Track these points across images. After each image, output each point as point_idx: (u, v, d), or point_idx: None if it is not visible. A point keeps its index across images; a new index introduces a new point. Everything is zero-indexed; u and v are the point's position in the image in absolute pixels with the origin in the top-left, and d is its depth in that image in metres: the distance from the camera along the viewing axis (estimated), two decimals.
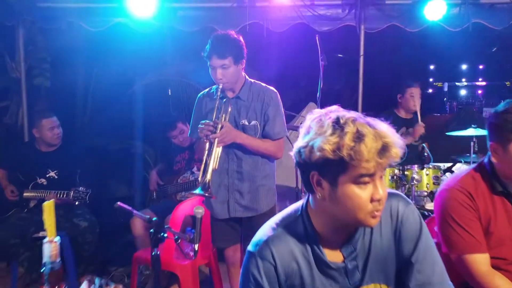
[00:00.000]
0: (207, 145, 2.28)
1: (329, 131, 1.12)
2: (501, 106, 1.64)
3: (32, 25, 4.65)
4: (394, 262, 1.26)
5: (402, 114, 3.76)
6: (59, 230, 3.48)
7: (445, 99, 29.19)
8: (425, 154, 3.16)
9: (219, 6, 4.10)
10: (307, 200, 1.28)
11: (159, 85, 6.02)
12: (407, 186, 3.16)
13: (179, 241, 1.98)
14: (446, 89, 30.55)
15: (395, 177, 3.23)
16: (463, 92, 31.02)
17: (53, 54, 5.89)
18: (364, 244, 1.26)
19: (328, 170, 1.14)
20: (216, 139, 2.26)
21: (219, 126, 2.28)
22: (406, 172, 3.21)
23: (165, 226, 1.89)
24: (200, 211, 2.04)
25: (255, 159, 2.43)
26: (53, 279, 1.03)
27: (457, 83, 30.70)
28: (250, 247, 1.28)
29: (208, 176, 2.22)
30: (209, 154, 2.27)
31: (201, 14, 4.18)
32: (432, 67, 28.13)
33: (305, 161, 1.16)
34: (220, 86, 2.34)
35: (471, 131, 3.14)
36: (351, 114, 1.17)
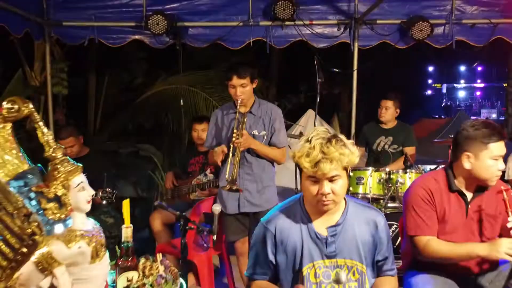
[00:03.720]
0: (231, 150, 2.75)
1: (301, 143, 1.65)
2: (470, 123, 2.06)
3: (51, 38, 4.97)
4: (367, 249, 1.76)
5: (381, 124, 4.24)
6: None
7: (443, 100, 29.53)
8: (408, 162, 3.61)
9: (226, 25, 4.57)
10: None
11: (168, 93, 6.43)
12: (392, 188, 3.62)
13: (202, 233, 2.44)
14: (444, 90, 30.87)
15: (382, 180, 3.69)
16: (461, 93, 31.21)
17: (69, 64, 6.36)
18: (345, 230, 1.74)
19: (297, 166, 1.66)
20: (239, 144, 2.74)
21: (241, 134, 2.76)
22: (391, 176, 3.67)
23: (191, 221, 2.35)
24: (218, 208, 2.51)
25: (262, 163, 2.93)
26: (128, 252, 1.48)
27: (455, 85, 30.91)
28: (262, 219, 1.83)
29: (236, 173, 2.70)
30: (234, 155, 2.74)
31: (210, 31, 4.66)
32: (431, 68, 28.47)
33: None
34: (239, 102, 2.81)
35: None
36: (328, 134, 1.63)
